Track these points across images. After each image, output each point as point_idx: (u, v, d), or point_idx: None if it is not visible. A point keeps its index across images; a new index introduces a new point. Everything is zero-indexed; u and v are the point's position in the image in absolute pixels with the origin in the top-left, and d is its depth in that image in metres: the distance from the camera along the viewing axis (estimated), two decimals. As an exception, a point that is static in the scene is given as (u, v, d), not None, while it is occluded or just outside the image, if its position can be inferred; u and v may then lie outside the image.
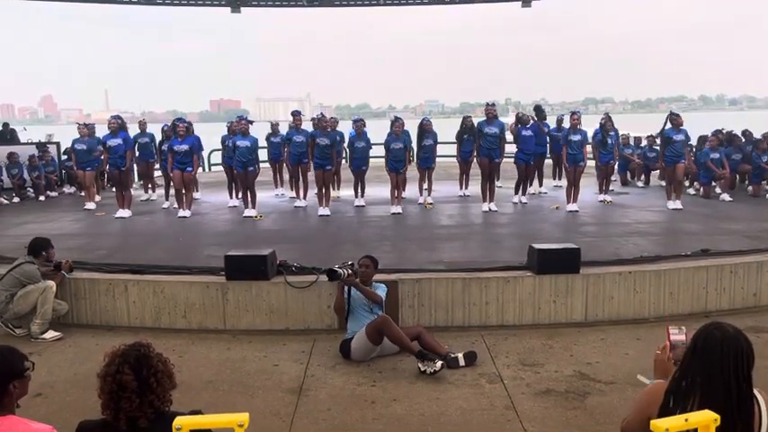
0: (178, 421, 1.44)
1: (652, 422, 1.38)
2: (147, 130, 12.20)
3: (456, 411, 4.21)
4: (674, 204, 9.76)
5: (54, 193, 12.80)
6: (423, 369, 4.72)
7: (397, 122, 10.35)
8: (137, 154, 11.55)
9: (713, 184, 11.30)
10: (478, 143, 10.27)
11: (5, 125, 14.85)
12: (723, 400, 1.94)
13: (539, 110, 11.72)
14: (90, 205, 10.72)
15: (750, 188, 11.56)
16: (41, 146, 13.54)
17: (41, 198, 12.22)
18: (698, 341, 2.11)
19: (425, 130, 10.85)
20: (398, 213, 9.69)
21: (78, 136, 11.07)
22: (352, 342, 5.04)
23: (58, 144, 13.65)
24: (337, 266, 5.09)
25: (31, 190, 12.56)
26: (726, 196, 10.76)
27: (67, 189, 13.33)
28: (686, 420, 1.42)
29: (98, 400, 2.24)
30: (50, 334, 5.67)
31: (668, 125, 10.01)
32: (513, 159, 10.77)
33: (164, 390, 2.16)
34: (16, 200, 12.07)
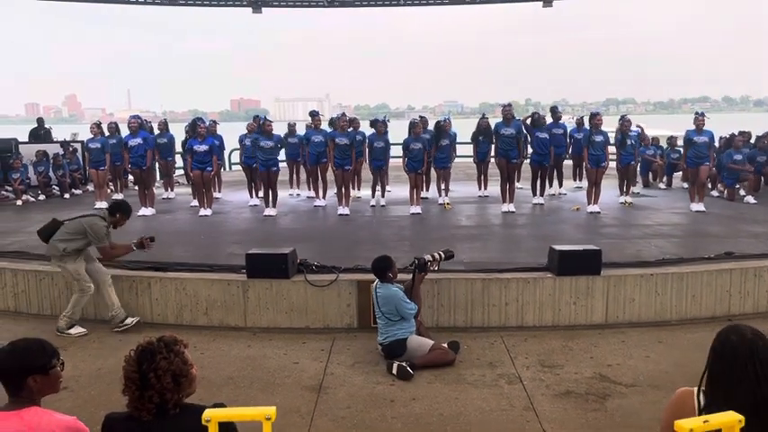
0: (208, 413, 1.46)
1: (676, 423, 1.38)
2: (168, 131, 12.31)
3: (475, 411, 4.21)
4: (698, 206, 9.64)
5: (78, 191, 13.01)
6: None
7: (418, 123, 10.35)
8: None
9: (737, 186, 11.14)
10: (496, 144, 10.24)
11: (40, 121, 15.12)
12: (750, 405, 1.93)
13: (553, 111, 11.69)
14: (101, 204, 10.81)
15: (775, 190, 11.38)
16: (66, 144, 13.76)
17: (66, 196, 12.43)
18: (718, 347, 2.09)
19: (442, 130, 10.85)
20: (418, 213, 9.70)
21: (92, 135, 11.25)
22: (408, 341, 4.99)
23: (82, 143, 13.85)
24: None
25: (57, 188, 12.78)
26: (750, 198, 10.61)
27: (91, 187, 13.52)
28: (705, 422, 1.41)
29: (122, 395, 2.27)
30: (76, 330, 5.77)
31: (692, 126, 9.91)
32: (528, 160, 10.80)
33: (163, 387, 2.11)
34: (42, 197, 12.29)
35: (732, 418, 1.40)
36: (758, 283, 6.08)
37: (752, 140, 12.31)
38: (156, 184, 12.59)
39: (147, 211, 10.09)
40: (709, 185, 11.43)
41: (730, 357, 2.03)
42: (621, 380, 4.66)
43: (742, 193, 11.10)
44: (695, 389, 2.09)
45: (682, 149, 11.50)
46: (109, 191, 12.06)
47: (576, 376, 4.74)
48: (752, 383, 1.97)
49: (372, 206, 10.55)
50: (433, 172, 11.12)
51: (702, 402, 2.04)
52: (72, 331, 5.75)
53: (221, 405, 2.15)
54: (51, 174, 12.77)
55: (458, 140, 11.73)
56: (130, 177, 12.79)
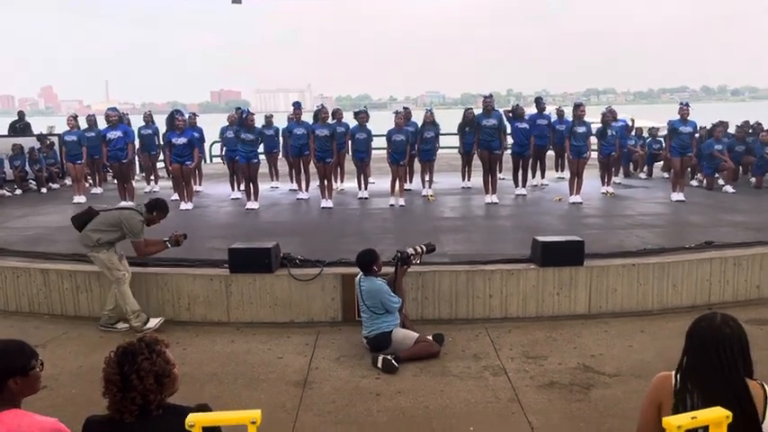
0: (191, 418, 1.43)
1: (664, 420, 1.38)
2: (153, 122, 12.15)
3: (460, 404, 4.22)
4: (678, 196, 9.74)
5: (56, 185, 12.80)
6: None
7: (398, 114, 10.32)
8: (137, 146, 11.55)
9: (716, 175, 11.28)
10: (477, 135, 10.24)
11: (21, 114, 14.84)
12: (720, 390, 1.97)
13: (538, 101, 11.73)
14: (79, 198, 10.65)
15: (753, 180, 11.53)
16: (43, 138, 13.52)
17: (43, 190, 12.22)
18: (690, 333, 2.15)
19: (426, 121, 10.84)
20: (399, 205, 9.69)
21: (68, 128, 11.06)
22: (393, 334, 4.99)
23: (59, 136, 13.63)
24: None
25: (33, 182, 12.56)
26: (729, 188, 10.74)
27: (69, 181, 13.31)
28: (693, 418, 1.41)
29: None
30: (152, 322, 5.64)
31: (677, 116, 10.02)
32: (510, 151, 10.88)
33: (146, 388, 2.07)
34: (18, 192, 12.07)
35: (720, 414, 1.41)
36: (737, 271, 6.17)
37: (729, 130, 12.47)
38: (137, 177, 12.44)
39: (127, 205, 9.93)
40: (689, 175, 11.56)
41: (699, 344, 2.08)
42: (605, 370, 4.70)
43: (721, 182, 11.23)
44: (673, 372, 2.14)
45: (662, 140, 11.63)
46: (87, 185, 11.88)
47: (559, 367, 4.77)
48: (722, 370, 2.01)
49: (360, 198, 10.50)
50: (417, 164, 11.11)
51: (679, 384, 2.09)
52: (150, 324, 5.60)
53: (205, 405, 2.12)
54: (28, 168, 12.54)
55: (441, 132, 11.71)
56: (110, 171, 12.64)
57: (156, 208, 5.79)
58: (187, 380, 4.38)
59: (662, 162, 12.74)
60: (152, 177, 12.20)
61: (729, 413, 1.42)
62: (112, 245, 5.65)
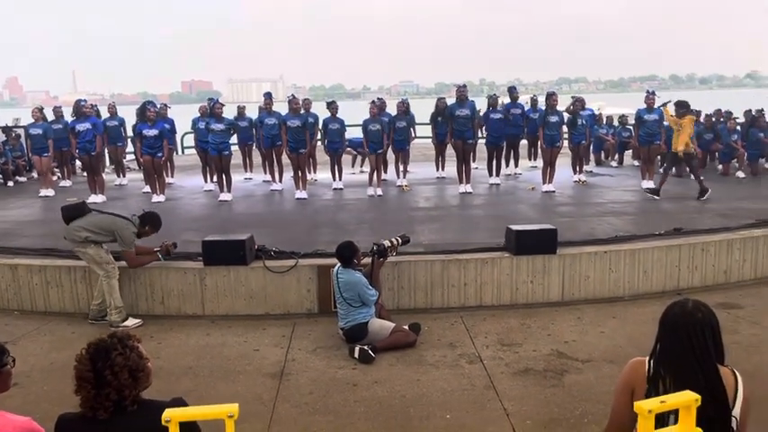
0: (168, 413, 1.42)
1: (636, 404, 1.41)
2: (117, 114, 11.94)
3: (437, 392, 4.26)
4: (648, 184, 9.91)
5: (23, 179, 12.53)
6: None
7: (373, 104, 10.29)
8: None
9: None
10: (451, 125, 10.27)
11: None
12: (692, 376, 2.01)
13: (511, 91, 11.80)
14: (46, 192, 10.44)
15: (720, 167, 11.79)
16: (8, 130, 13.18)
17: (9, 183, 11.95)
18: (663, 319, 2.18)
19: (398, 111, 10.84)
20: (377, 195, 9.68)
21: (33, 120, 10.84)
22: (370, 325, 5.01)
23: (25, 128, 13.31)
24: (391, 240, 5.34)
25: (-1, 176, 12.26)
26: (697, 175, 10.94)
27: (36, 174, 13.01)
28: (662, 402, 1.45)
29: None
30: (132, 321, 5.58)
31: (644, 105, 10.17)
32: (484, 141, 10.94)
33: (120, 384, 2.04)
34: (-16, 186, 11.78)
35: (688, 398, 1.44)
36: (705, 257, 6.31)
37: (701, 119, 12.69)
38: (107, 170, 12.23)
39: (97, 198, 9.77)
40: (659, 162, 11.75)
41: (671, 330, 2.12)
42: (578, 356, 4.78)
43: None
44: (647, 358, 2.18)
45: (632, 128, 11.80)
46: (55, 178, 11.64)
47: (534, 354, 4.84)
48: (693, 355, 2.05)
49: (334, 189, 10.47)
50: (390, 153, 11.11)
51: (652, 370, 2.12)
52: (128, 323, 5.53)
53: (180, 399, 2.10)
54: (-7, 161, 12.23)
55: (416, 122, 11.72)
56: (78, 164, 12.39)
57: (150, 222, 5.79)
58: (162, 374, 4.35)
59: (632, 150, 12.94)
60: (120, 170, 12.00)
61: (698, 396, 1.46)
62: (99, 243, 5.60)
